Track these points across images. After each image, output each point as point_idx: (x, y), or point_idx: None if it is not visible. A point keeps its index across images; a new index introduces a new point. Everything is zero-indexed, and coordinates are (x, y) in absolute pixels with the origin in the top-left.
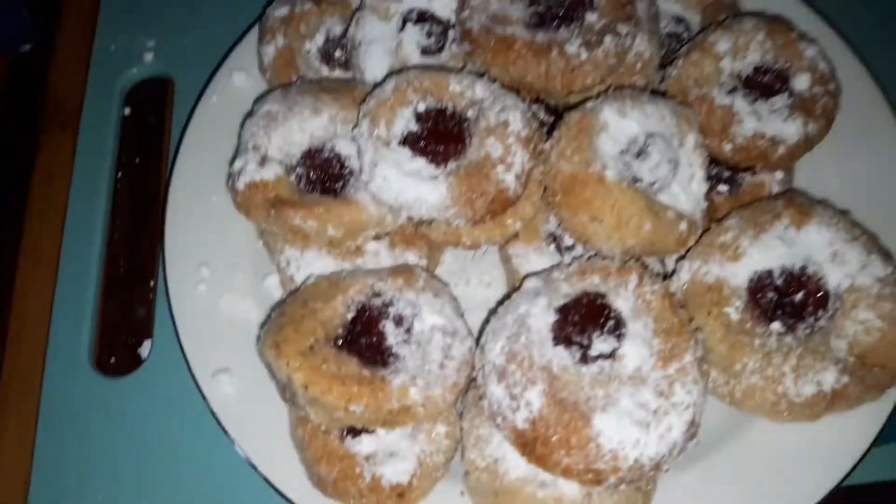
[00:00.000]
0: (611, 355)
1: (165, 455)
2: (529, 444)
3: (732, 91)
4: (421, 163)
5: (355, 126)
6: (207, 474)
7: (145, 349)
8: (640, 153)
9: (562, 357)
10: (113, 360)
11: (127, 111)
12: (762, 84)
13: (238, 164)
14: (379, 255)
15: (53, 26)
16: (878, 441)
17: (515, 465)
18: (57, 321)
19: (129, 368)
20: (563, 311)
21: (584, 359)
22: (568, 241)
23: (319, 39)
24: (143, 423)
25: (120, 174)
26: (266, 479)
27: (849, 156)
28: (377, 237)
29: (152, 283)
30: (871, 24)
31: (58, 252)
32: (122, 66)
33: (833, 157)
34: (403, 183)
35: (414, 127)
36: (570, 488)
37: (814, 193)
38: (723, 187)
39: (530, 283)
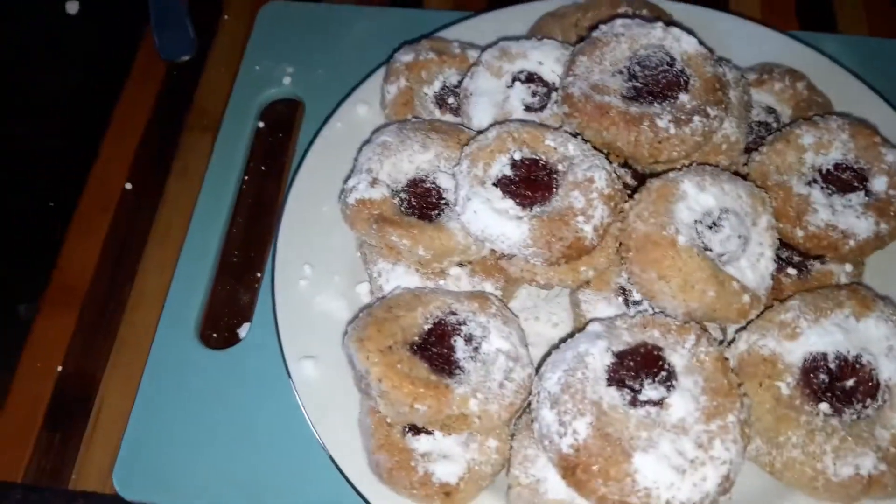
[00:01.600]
0: (659, 403)
1: (249, 425)
2: (571, 469)
3: (811, 182)
4: (510, 203)
5: (457, 164)
6: (284, 446)
7: (244, 330)
8: (714, 225)
9: (613, 397)
10: (215, 335)
11: (261, 124)
12: (841, 180)
13: (352, 182)
14: (460, 279)
15: (211, 43)
16: None
17: (555, 488)
18: (172, 296)
19: (227, 345)
20: (621, 355)
21: (634, 402)
22: (636, 296)
23: (437, 86)
24: (233, 394)
25: (246, 178)
26: (330, 457)
27: None
28: (461, 264)
29: (259, 275)
30: None
31: (182, 237)
32: (263, 85)
33: None
34: (491, 218)
35: (508, 172)
36: None
37: (881, 290)
38: (792, 271)
39: (594, 326)
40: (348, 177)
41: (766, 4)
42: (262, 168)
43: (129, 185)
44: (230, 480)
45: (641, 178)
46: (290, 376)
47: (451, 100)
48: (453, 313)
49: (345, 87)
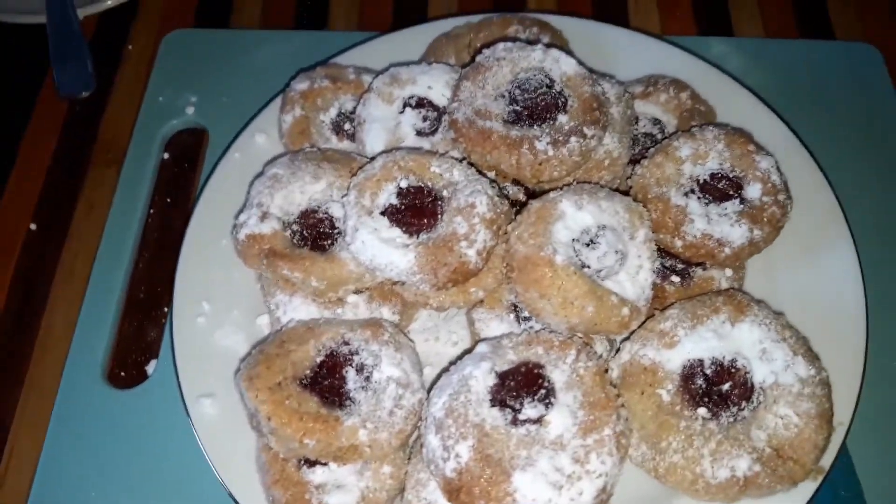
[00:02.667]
0: (538, 420)
1: (156, 465)
2: (455, 492)
3: (689, 193)
4: (397, 232)
5: (345, 194)
6: (191, 486)
7: (151, 367)
8: (591, 242)
9: (495, 417)
10: (123, 374)
11: (166, 156)
12: (717, 189)
13: (243, 217)
14: (358, 306)
15: (111, 78)
16: None
17: None
18: (78, 337)
19: (135, 382)
20: (503, 376)
21: (515, 421)
22: (526, 312)
23: (333, 112)
24: (141, 434)
25: (152, 211)
26: (230, 495)
27: (799, 260)
28: (358, 291)
29: (166, 310)
30: (838, 137)
31: (88, 273)
32: (166, 115)
33: (785, 260)
34: (379, 247)
35: (395, 200)
36: None
37: (761, 292)
38: (675, 278)
39: (480, 348)
40: (240, 211)
41: (664, 10)
42: (168, 200)
43: (33, 226)
44: None
45: (533, 194)
46: (189, 416)
47: (347, 126)
48: (346, 343)
49: (248, 114)
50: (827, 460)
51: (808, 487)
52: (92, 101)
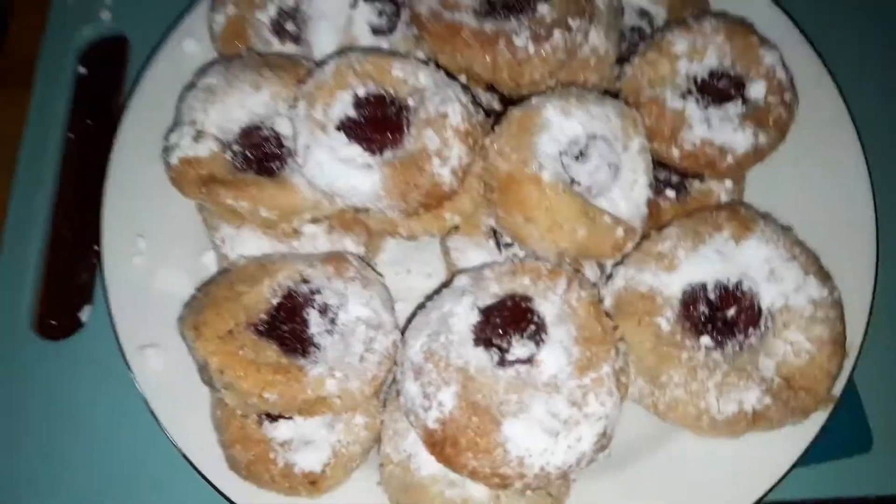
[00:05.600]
0: (529, 360)
1: (96, 423)
2: (439, 444)
3: (686, 94)
4: (356, 150)
5: (293, 106)
6: (137, 446)
7: (86, 314)
8: (581, 155)
9: (480, 359)
10: (54, 322)
11: (82, 70)
12: (717, 89)
13: (173, 138)
14: (316, 238)
15: None
16: (802, 461)
17: (427, 463)
18: (1, 281)
19: (68, 333)
20: (487, 312)
21: (502, 362)
22: (508, 238)
23: (272, 10)
24: (77, 389)
25: (72, 135)
26: (184, 456)
27: (804, 168)
28: (315, 220)
29: (97, 249)
30: (844, 35)
31: (3, 212)
32: (79, 23)
33: (788, 168)
34: (337, 169)
35: (352, 112)
36: (478, 489)
37: (764, 204)
38: (671, 193)
39: (459, 281)
40: (170, 131)
41: None
42: (88, 122)
43: None
44: (78, 488)
45: (510, 102)
46: (130, 369)
47: (290, 26)
48: (305, 281)
49: (173, 16)
50: (838, 388)
51: (818, 418)
52: None
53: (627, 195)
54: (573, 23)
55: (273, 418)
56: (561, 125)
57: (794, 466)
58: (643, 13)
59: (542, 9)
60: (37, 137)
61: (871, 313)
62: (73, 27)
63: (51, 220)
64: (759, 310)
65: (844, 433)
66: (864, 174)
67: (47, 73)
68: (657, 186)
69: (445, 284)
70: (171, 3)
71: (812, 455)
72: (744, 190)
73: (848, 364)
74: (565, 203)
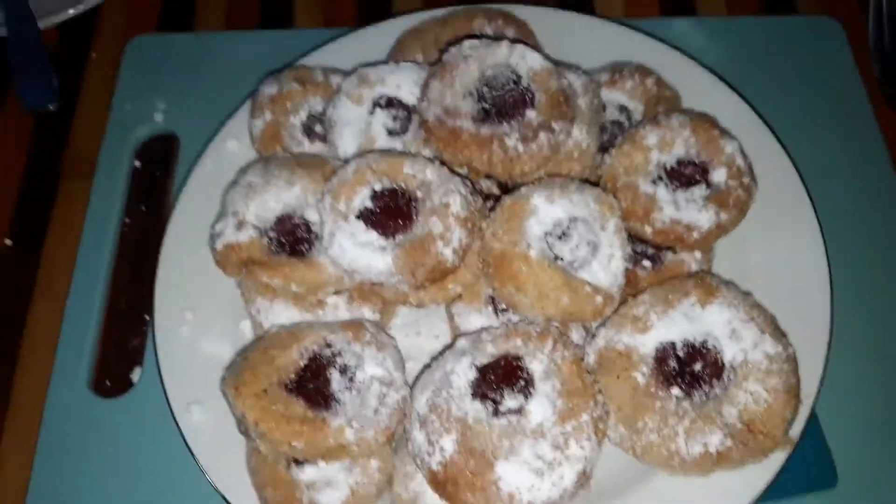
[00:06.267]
0: (519, 410)
1: (146, 471)
2: (441, 484)
3: (657, 180)
4: (373, 235)
5: (320, 199)
6: (183, 492)
7: (136, 375)
8: (563, 235)
9: (477, 410)
10: (108, 382)
11: (137, 164)
12: (684, 175)
13: (219, 227)
14: (338, 308)
15: (77, 88)
16: (768, 496)
17: (433, 500)
18: (62, 349)
19: (121, 391)
20: (483, 370)
21: (496, 413)
22: (504, 304)
23: (303, 115)
24: (130, 442)
25: (128, 220)
26: (223, 497)
27: (765, 240)
28: (337, 292)
29: (147, 318)
30: (800, 110)
31: (68, 285)
32: (135, 123)
33: (752, 240)
34: (356, 251)
35: (369, 204)
36: None
37: (731, 271)
38: (647, 263)
39: (460, 343)
40: (216, 221)
41: None
42: (143, 208)
43: (8, 242)
44: None
45: (505, 187)
46: (177, 423)
47: (318, 128)
48: (328, 345)
49: (218, 117)
50: (796, 431)
51: (778, 458)
52: (58, 113)
53: (605, 267)
54: (556, 125)
55: (300, 463)
56: (546, 210)
57: (758, 501)
58: (622, 108)
59: (530, 114)
60: (97, 221)
61: (826, 364)
62: (131, 127)
63: (108, 292)
64: (722, 364)
65: (809, 470)
66: (819, 246)
67: (107, 165)
68: (635, 258)
69: (449, 346)
70: (217, 107)
71: (778, 491)
72: (712, 259)
73: (804, 410)
74: (550, 276)
